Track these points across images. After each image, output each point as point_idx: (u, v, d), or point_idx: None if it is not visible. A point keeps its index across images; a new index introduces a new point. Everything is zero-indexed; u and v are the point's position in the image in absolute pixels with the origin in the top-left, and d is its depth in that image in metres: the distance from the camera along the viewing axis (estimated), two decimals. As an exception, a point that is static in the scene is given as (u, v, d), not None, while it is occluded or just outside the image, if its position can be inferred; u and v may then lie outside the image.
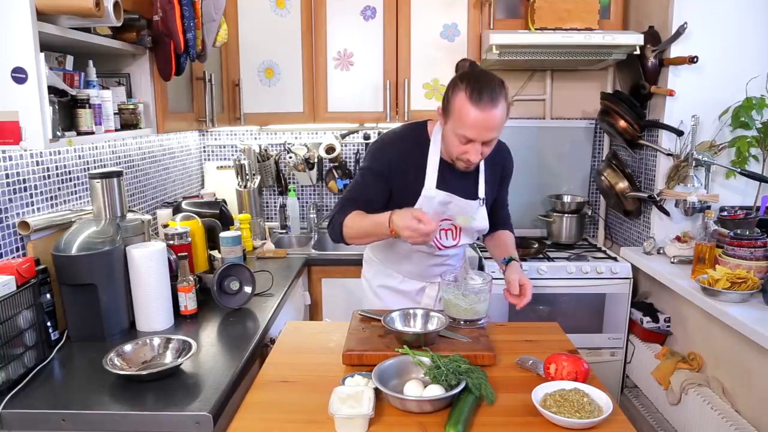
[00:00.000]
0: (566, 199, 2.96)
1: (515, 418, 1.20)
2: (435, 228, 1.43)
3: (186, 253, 1.84)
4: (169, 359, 1.46)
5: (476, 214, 1.75)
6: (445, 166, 1.70)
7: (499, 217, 1.90)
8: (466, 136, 1.51)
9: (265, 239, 2.77)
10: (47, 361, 1.46)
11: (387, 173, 1.69)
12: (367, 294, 1.97)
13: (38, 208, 1.72)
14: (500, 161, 1.80)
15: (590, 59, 2.58)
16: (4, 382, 1.31)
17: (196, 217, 2.13)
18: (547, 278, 2.50)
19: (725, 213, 2.24)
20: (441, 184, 1.69)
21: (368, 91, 2.74)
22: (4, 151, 1.55)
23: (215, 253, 2.18)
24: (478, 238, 1.91)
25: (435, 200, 1.69)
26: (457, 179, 1.70)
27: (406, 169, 1.69)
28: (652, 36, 2.44)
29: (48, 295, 1.54)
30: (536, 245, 2.74)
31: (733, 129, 2.34)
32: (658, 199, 2.44)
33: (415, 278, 1.87)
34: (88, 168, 1.99)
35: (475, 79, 1.50)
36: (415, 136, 1.72)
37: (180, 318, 1.77)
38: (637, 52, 2.44)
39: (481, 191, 1.75)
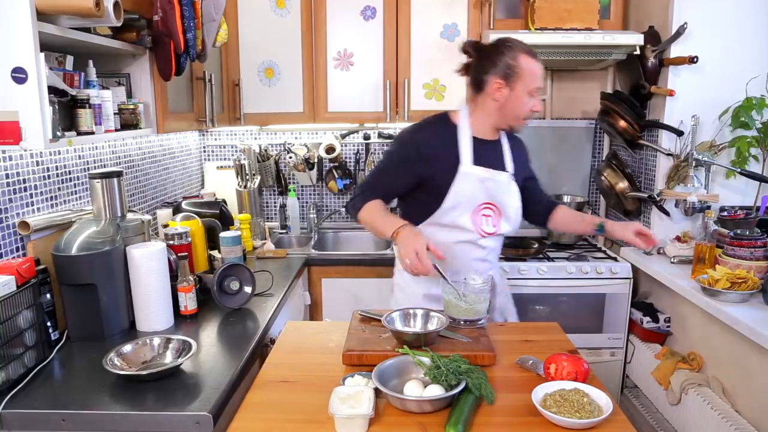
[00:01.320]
0: (566, 199, 2.96)
1: (515, 418, 1.20)
2: (428, 270, 1.54)
3: (186, 253, 1.84)
4: (169, 359, 1.46)
5: (507, 191, 1.82)
6: (479, 145, 1.79)
7: (544, 196, 2.01)
8: (538, 86, 1.71)
9: (265, 239, 2.77)
10: (47, 361, 1.46)
11: (416, 159, 1.75)
12: (395, 290, 2.00)
13: (38, 208, 1.72)
14: (520, 149, 1.92)
15: (590, 59, 2.58)
16: (4, 382, 1.31)
17: (196, 217, 2.13)
18: (547, 278, 2.50)
19: (725, 213, 2.24)
20: (477, 161, 1.77)
21: (368, 91, 2.74)
22: (4, 151, 1.55)
23: (215, 253, 2.18)
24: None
25: (473, 176, 1.75)
26: (490, 157, 1.80)
27: (438, 151, 1.76)
28: (652, 36, 2.44)
29: (48, 295, 1.54)
30: (536, 245, 2.74)
31: (733, 129, 2.34)
32: (658, 199, 2.44)
33: (455, 277, 1.83)
34: (88, 168, 1.99)
35: (515, 40, 1.73)
36: (442, 122, 1.82)
37: (180, 318, 1.77)
38: (637, 52, 2.44)
39: (509, 165, 1.84)
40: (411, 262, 1.54)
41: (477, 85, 1.76)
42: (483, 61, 1.73)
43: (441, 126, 1.81)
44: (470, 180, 1.75)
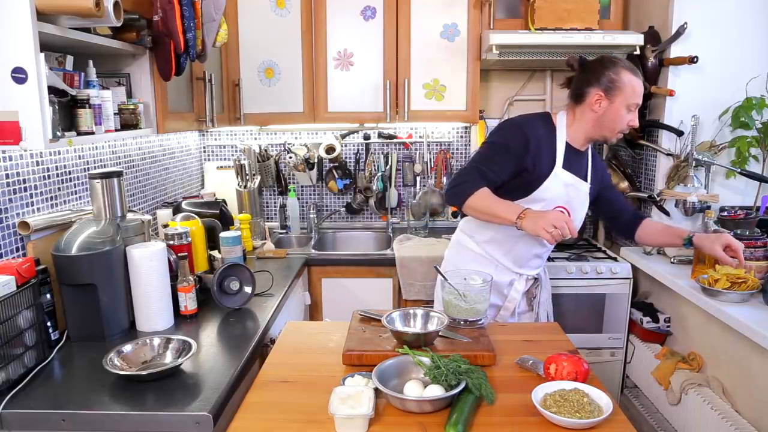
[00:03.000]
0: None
1: (515, 418, 1.20)
2: (573, 229, 1.62)
3: (186, 253, 1.84)
4: (169, 359, 1.46)
5: (582, 204, 1.91)
6: (571, 152, 1.87)
7: (627, 207, 2.06)
8: (637, 103, 1.78)
9: (265, 239, 2.77)
10: (47, 361, 1.46)
11: (523, 152, 1.80)
12: (451, 250, 2.09)
13: (38, 208, 1.72)
14: (599, 166, 2.00)
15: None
16: (4, 382, 1.31)
17: (196, 217, 2.13)
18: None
19: (725, 213, 2.24)
20: (565, 166, 1.85)
21: (368, 91, 2.74)
22: (4, 151, 1.55)
23: (215, 253, 2.18)
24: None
25: (560, 179, 1.84)
26: (577, 165, 1.89)
27: (544, 148, 1.83)
28: (652, 36, 2.44)
29: (48, 295, 1.54)
30: (536, 245, 2.74)
31: (733, 129, 2.34)
32: (658, 199, 2.44)
33: (510, 266, 1.94)
34: (88, 168, 1.99)
35: (618, 60, 1.81)
36: (545, 122, 1.89)
37: (180, 318, 1.77)
38: (637, 52, 2.44)
39: (589, 178, 1.93)
40: (559, 226, 1.59)
41: (577, 97, 1.84)
42: (587, 75, 1.82)
43: (545, 125, 1.88)
44: (558, 182, 1.83)
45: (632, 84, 1.77)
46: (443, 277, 1.63)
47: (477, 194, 1.75)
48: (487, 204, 1.74)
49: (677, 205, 2.43)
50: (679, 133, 2.36)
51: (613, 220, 2.07)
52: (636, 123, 1.82)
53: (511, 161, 1.80)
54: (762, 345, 1.68)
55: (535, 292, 2.01)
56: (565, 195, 1.86)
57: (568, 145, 1.87)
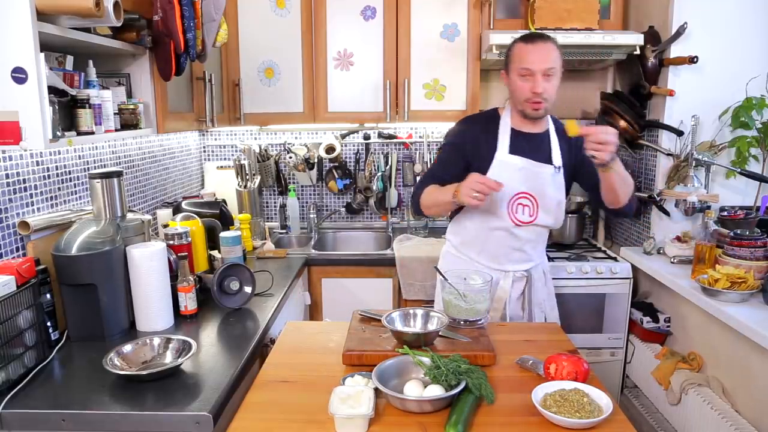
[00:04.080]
0: (566, 199, 2.95)
1: (515, 418, 1.20)
2: (494, 184, 1.62)
3: (186, 253, 1.84)
4: (169, 359, 1.46)
5: (552, 184, 1.86)
6: (519, 136, 1.86)
7: None
8: (527, 67, 1.73)
9: (265, 239, 2.77)
10: (47, 361, 1.46)
11: (462, 144, 1.88)
12: (443, 254, 2.10)
13: (38, 208, 1.72)
14: (573, 146, 1.87)
15: (590, 59, 2.58)
16: (4, 382, 1.31)
17: (196, 217, 2.13)
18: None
19: (725, 213, 2.24)
20: (514, 151, 1.84)
21: (368, 91, 2.74)
22: (4, 151, 1.55)
23: (215, 253, 2.18)
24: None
25: (508, 164, 1.83)
26: (531, 148, 1.85)
27: (482, 138, 1.87)
28: (652, 36, 2.44)
29: (48, 295, 1.54)
30: (536, 245, 2.74)
31: (733, 129, 2.34)
32: (658, 199, 2.44)
33: (489, 263, 1.93)
34: (88, 168, 1.99)
35: (524, 35, 1.80)
36: (487, 114, 1.95)
37: (180, 318, 1.77)
38: (637, 52, 2.44)
39: (557, 158, 1.86)
40: (478, 188, 1.62)
41: None
42: None
43: (486, 118, 1.93)
44: (506, 168, 1.82)
45: (519, 51, 1.76)
46: (443, 277, 1.63)
47: (424, 194, 1.86)
48: (433, 197, 1.83)
49: (677, 205, 2.43)
50: (679, 133, 2.36)
51: (594, 192, 1.89)
52: (537, 88, 1.74)
53: (456, 154, 1.88)
54: (762, 345, 1.68)
55: (526, 290, 1.98)
56: (522, 180, 1.84)
57: (515, 131, 1.87)
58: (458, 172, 1.82)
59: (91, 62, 1.66)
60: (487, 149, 1.85)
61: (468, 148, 1.87)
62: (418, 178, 1.98)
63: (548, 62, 1.73)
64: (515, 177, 1.83)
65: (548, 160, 1.86)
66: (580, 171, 1.91)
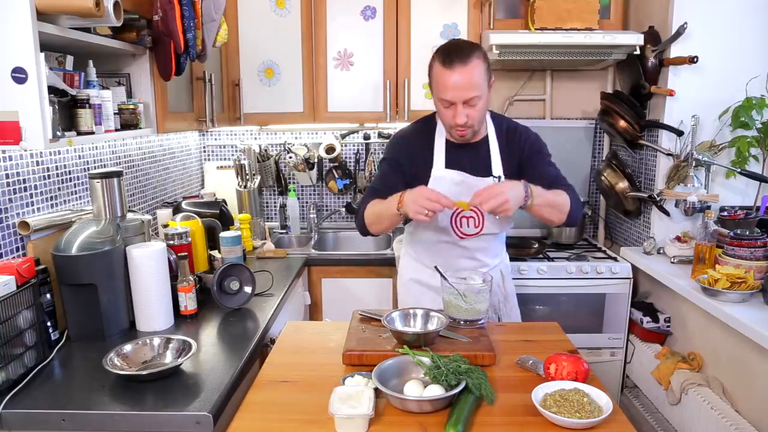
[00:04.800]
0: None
1: (515, 418, 1.20)
2: (445, 201, 1.48)
3: (186, 253, 1.84)
4: (169, 359, 1.46)
5: None
6: (455, 148, 1.75)
7: (549, 181, 1.76)
8: (446, 99, 1.58)
9: (265, 239, 2.77)
10: (47, 361, 1.46)
11: (400, 160, 1.77)
12: (399, 288, 2.04)
13: (38, 208, 1.72)
14: (517, 143, 1.77)
15: (590, 59, 2.58)
16: (4, 382, 1.31)
17: (196, 217, 2.13)
18: (547, 278, 2.49)
19: (725, 213, 2.24)
20: (451, 164, 1.73)
21: (368, 91, 2.74)
22: (4, 151, 1.55)
23: (215, 253, 2.18)
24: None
25: (445, 180, 1.73)
26: (469, 160, 1.74)
27: (417, 153, 1.76)
28: (652, 36, 2.44)
29: (48, 295, 1.54)
30: (536, 245, 2.74)
31: (733, 129, 2.34)
32: (658, 199, 2.44)
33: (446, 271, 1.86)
34: (88, 168, 1.99)
35: (446, 47, 1.61)
36: (424, 124, 1.81)
37: (180, 318, 1.77)
38: (637, 52, 2.44)
39: (497, 168, 1.74)
40: (426, 205, 1.48)
41: None
42: None
43: (421, 130, 1.79)
44: (443, 184, 1.71)
45: (438, 76, 1.58)
46: (443, 277, 1.63)
47: (367, 210, 1.72)
48: (376, 211, 1.69)
49: (677, 205, 2.43)
50: (679, 133, 2.36)
51: None
52: (459, 120, 1.58)
53: (395, 170, 1.77)
54: (762, 345, 1.68)
55: None
56: (461, 193, 1.69)
57: (450, 143, 1.75)
58: (400, 188, 1.70)
59: (91, 62, 1.66)
60: (423, 164, 1.74)
61: (404, 163, 1.76)
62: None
63: (469, 91, 1.56)
64: (454, 191, 1.68)
65: (487, 171, 1.74)
66: (525, 171, 1.77)
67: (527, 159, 1.78)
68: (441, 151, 1.74)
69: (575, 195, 1.74)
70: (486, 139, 1.77)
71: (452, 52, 1.56)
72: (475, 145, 1.77)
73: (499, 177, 1.75)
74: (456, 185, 1.72)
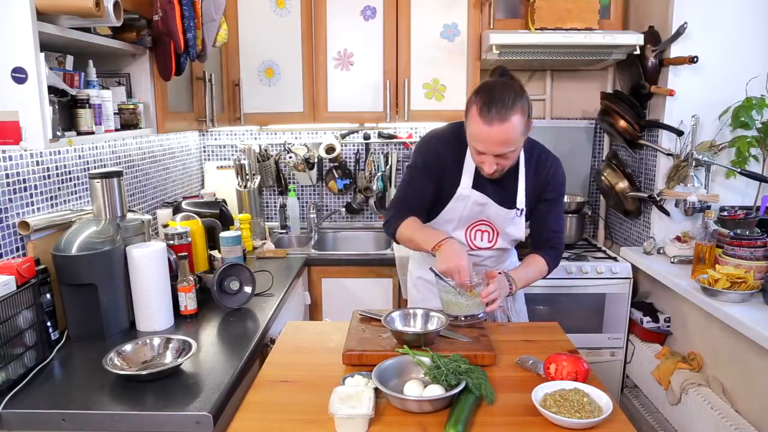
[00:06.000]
0: (566, 199, 2.95)
1: (515, 418, 1.20)
2: (466, 275, 1.52)
3: (186, 253, 1.84)
4: (169, 359, 1.46)
5: (512, 224, 1.74)
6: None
7: (539, 237, 1.80)
8: (477, 149, 1.55)
9: (265, 239, 2.77)
10: (47, 361, 1.46)
11: (431, 165, 1.71)
12: (408, 286, 2.03)
13: (38, 208, 1.72)
14: (544, 177, 1.73)
15: (590, 59, 2.58)
16: (4, 382, 1.31)
17: (196, 217, 2.13)
18: (547, 278, 2.47)
19: (725, 213, 2.24)
20: (477, 186, 1.69)
21: (368, 91, 2.74)
22: (4, 151, 1.55)
23: (215, 253, 2.18)
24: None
25: (470, 200, 1.70)
26: (495, 188, 1.70)
27: (447, 164, 1.71)
28: (652, 36, 2.44)
29: (48, 295, 1.54)
30: (536, 245, 2.74)
31: (733, 129, 2.34)
32: (658, 199, 2.44)
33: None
34: (88, 168, 1.99)
35: (488, 92, 1.50)
36: (457, 138, 1.69)
37: (180, 318, 1.77)
38: (637, 52, 2.44)
39: (520, 201, 1.72)
40: (453, 274, 1.53)
41: None
42: None
43: (455, 142, 1.71)
44: (467, 202, 1.71)
45: (472, 126, 1.52)
46: (439, 276, 1.61)
47: (402, 227, 1.70)
48: (413, 237, 1.69)
49: (677, 205, 2.43)
50: (679, 133, 2.36)
51: (532, 226, 1.82)
52: (488, 169, 1.56)
53: (426, 176, 1.71)
54: (762, 345, 1.68)
55: None
56: (481, 212, 1.71)
57: None
58: (430, 196, 1.72)
59: (91, 62, 1.66)
60: (450, 177, 1.71)
61: (436, 172, 1.71)
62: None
63: (503, 147, 1.51)
64: (476, 211, 1.71)
65: (512, 203, 1.71)
66: (535, 208, 1.77)
67: (543, 200, 1.76)
68: (470, 172, 1.69)
69: (557, 254, 1.80)
70: (515, 169, 1.70)
71: (492, 104, 1.47)
72: (504, 174, 1.70)
73: (522, 210, 1.73)
74: (478, 205, 1.71)
